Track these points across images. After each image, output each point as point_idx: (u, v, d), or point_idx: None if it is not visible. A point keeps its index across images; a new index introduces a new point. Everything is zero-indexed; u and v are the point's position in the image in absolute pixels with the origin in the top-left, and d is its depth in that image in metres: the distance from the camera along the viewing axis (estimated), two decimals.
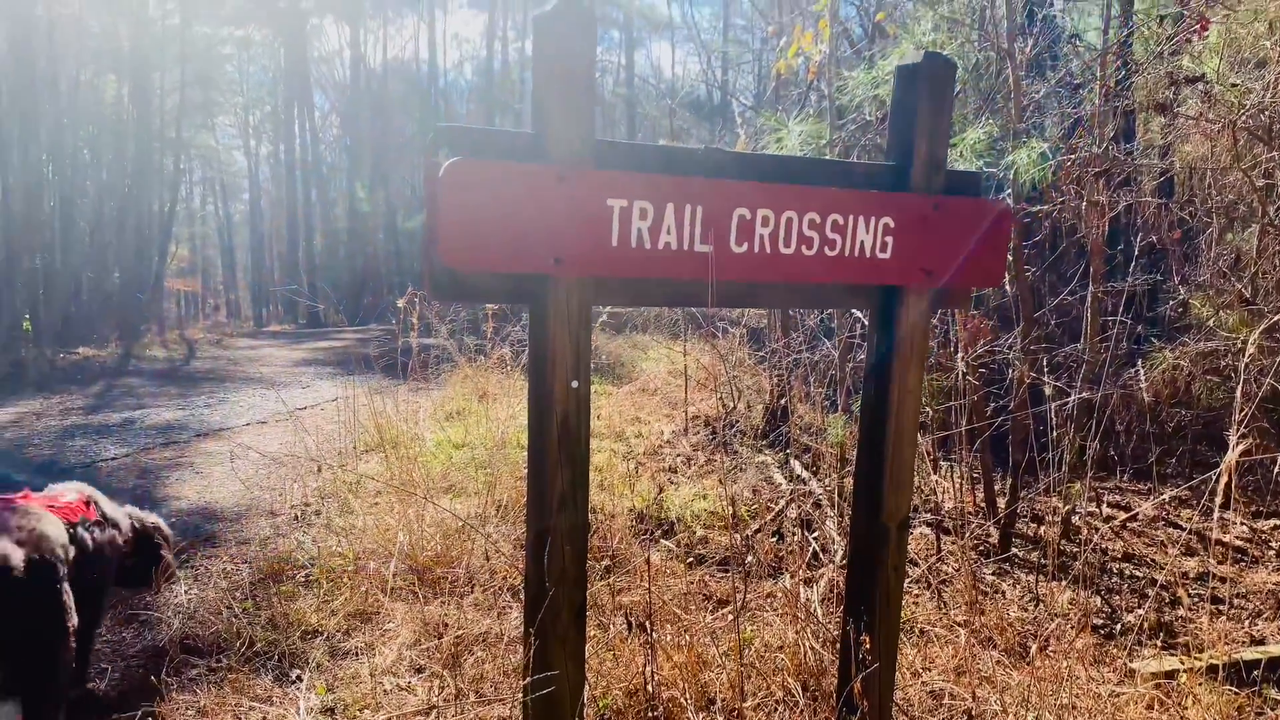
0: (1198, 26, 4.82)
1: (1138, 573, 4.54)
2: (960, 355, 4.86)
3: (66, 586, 2.49)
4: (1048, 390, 5.17)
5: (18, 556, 2.36)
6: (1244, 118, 4.92)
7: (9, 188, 16.44)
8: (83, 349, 12.96)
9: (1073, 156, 5.08)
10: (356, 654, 3.31)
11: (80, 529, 2.71)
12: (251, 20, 28.80)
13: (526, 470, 2.20)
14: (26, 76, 16.62)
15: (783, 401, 6.66)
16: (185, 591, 3.80)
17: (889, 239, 2.30)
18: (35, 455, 6.16)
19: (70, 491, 2.87)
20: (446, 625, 3.38)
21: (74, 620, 2.49)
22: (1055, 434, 4.79)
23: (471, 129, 1.99)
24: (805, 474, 5.63)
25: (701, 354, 8.98)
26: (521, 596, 3.54)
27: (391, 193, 30.39)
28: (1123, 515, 5.34)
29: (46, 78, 17.53)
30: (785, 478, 5.69)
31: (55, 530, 2.57)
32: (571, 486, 2.08)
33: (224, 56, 30.01)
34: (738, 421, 6.92)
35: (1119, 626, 3.87)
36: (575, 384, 2.08)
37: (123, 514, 3.12)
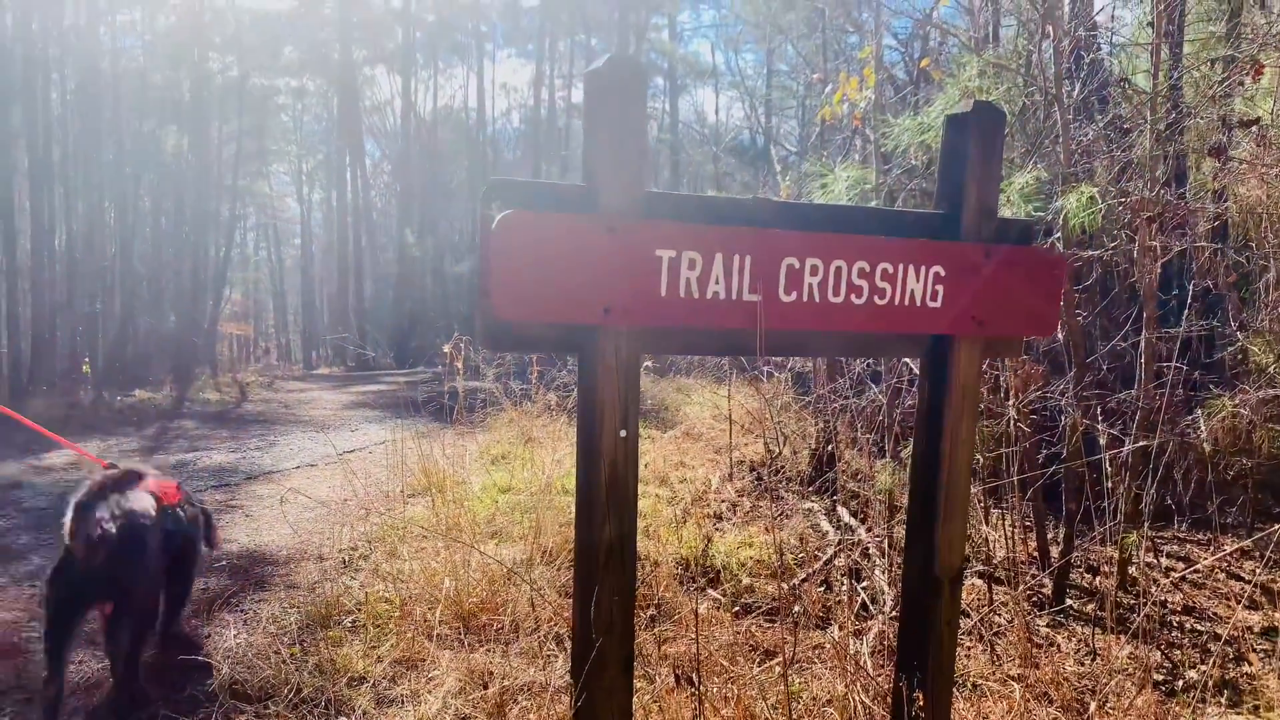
0: (1251, 71, 4.76)
1: (1200, 627, 4.39)
2: (1011, 401, 4.78)
3: (149, 541, 3.34)
4: (1102, 438, 5.06)
5: (110, 521, 3.20)
6: None
7: (72, 234, 17.00)
8: (139, 392, 13.26)
9: (1123, 200, 5.02)
10: (402, 702, 3.30)
11: (177, 508, 3.69)
12: (306, 71, 29.66)
13: (574, 518, 2.20)
14: (92, 127, 17.26)
15: (829, 447, 6.60)
16: (235, 636, 3.83)
17: (939, 288, 2.29)
18: None
19: (172, 481, 3.86)
20: (491, 674, 3.36)
21: (152, 565, 3.37)
22: (1110, 482, 4.68)
23: (523, 182, 2.03)
24: (853, 522, 5.55)
25: (746, 398, 8.94)
26: (567, 645, 3.52)
27: (440, 237, 30.89)
28: (1183, 566, 5.18)
29: (110, 128, 18.18)
30: (832, 525, 5.61)
31: (144, 505, 3.41)
32: (619, 537, 2.08)
33: (279, 106, 30.92)
34: (784, 467, 6.86)
35: (1181, 683, 3.73)
36: (623, 433, 2.08)
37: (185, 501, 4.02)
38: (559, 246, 1.96)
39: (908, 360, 5.60)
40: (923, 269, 2.26)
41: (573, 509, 4.71)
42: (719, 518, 5.86)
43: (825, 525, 5.65)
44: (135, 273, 18.05)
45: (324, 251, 36.85)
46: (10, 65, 14.95)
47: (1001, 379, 5.21)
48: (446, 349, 6.06)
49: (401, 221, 30.28)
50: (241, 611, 4.20)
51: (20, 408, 10.71)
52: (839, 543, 5.14)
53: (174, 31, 21.40)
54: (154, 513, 3.43)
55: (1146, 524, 4.35)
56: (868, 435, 6.71)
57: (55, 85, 17.36)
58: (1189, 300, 5.63)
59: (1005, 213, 4.79)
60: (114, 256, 17.84)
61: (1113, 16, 7.15)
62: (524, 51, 33.63)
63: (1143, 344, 5.06)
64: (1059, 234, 4.83)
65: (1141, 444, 4.67)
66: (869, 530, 5.32)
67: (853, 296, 2.21)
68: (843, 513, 5.74)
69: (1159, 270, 5.17)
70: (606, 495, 2.06)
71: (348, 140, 29.29)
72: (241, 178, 24.71)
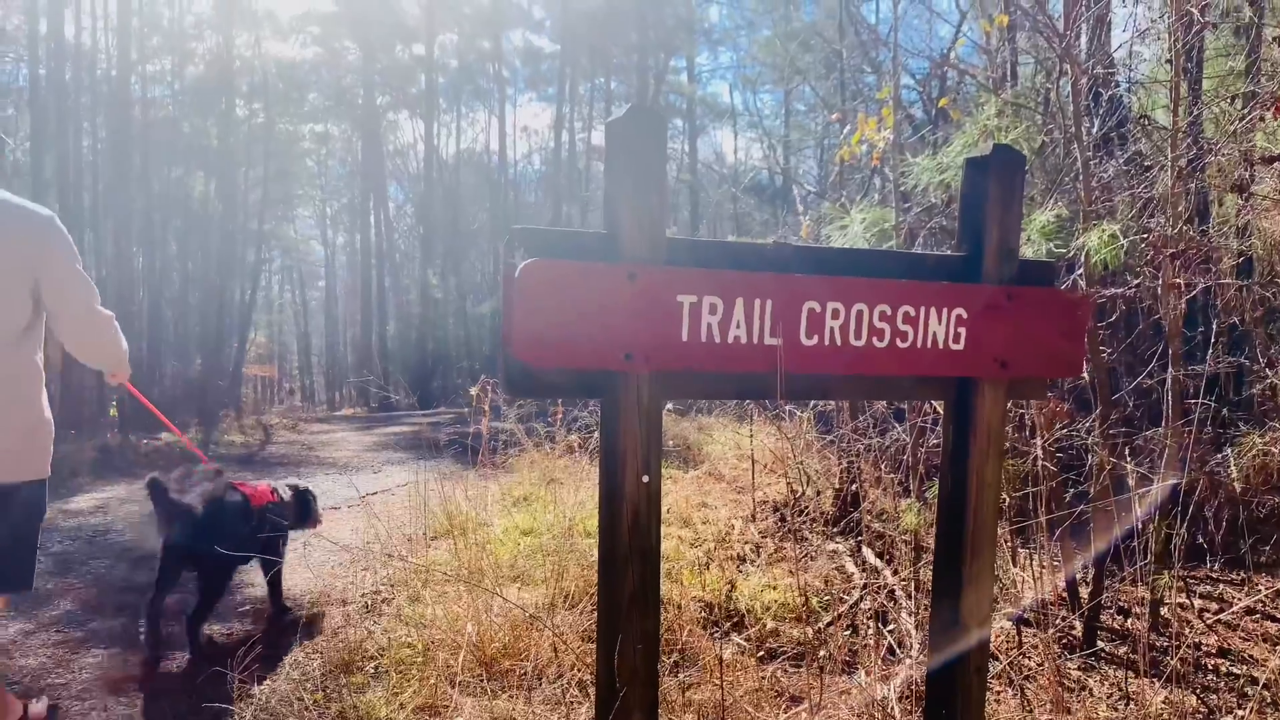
0: (1272, 106, 4.75)
1: (1235, 670, 4.30)
2: (1037, 439, 4.74)
3: (225, 527, 4.08)
4: (1131, 477, 5.00)
5: (200, 509, 4.07)
6: None
7: (103, 279, 17.24)
8: (165, 435, 13.37)
9: (1145, 236, 5.00)
10: None
11: (267, 510, 4.46)
12: (331, 117, 30.21)
13: (597, 565, 2.19)
14: (121, 174, 17.59)
15: (853, 487, 6.54)
16: (258, 684, 3.82)
17: (962, 330, 2.28)
18: (117, 540, 6.33)
19: (265, 484, 4.69)
20: None
21: (223, 547, 3.92)
22: (1140, 521, 4.61)
23: (546, 230, 2.05)
24: (879, 563, 5.49)
25: (768, 437, 8.90)
26: (590, 691, 3.49)
27: (462, 278, 31.18)
28: (1216, 607, 5.08)
29: (139, 174, 18.54)
30: (857, 566, 5.55)
31: (233, 500, 4.28)
32: (642, 584, 2.07)
33: (304, 151, 31.42)
34: (807, 507, 6.81)
35: None
36: (646, 479, 2.08)
37: (285, 487, 4.81)
38: (581, 293, 1.97)
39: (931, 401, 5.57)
40: (945, 312, 2.26)
41: (595, 552, 4.68)
42: (742, 560, 5.81)
43: (850, 567, 5.59)
44: (162, 317, 18.31)
45: (348, 293, 37.27)
46: (44, 116, 15.31)
47: (1027, 416, 5.17)
48: (473, 391, 6.11)
49: (424, 263, 30.60)
50: (265, 657, 4.20)
51: None
52: (865, 585, 5.08)
53: (202, 80, 21.88)
54: (236, 504, 4.29)
55: (1178, 564, 4.27)
56: (891, 475, 6.66)
57: (87, 134, 17.77)
58: (1215, 336, 5.58)
59: (1026, 251, 4.79)
60: (141, 301, 18.10)
61: (1130, 53, 7.18)
62: (544, 95, 34.20)
63: (1169, 381, 5.01)
64: (1081, 270, 4.82)
65: (1171, 483, 4.60)
66: (895, 572, 5.25)
67: (875, 340, 2.21)
68: (868, 554, 5.67)
69: (1184, 306, 5.13)
70: (629, 541, 2.06)
71: (371, 184, 29.72)
72: (267, 222, 25.06)
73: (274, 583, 4.71)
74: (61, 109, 15.83)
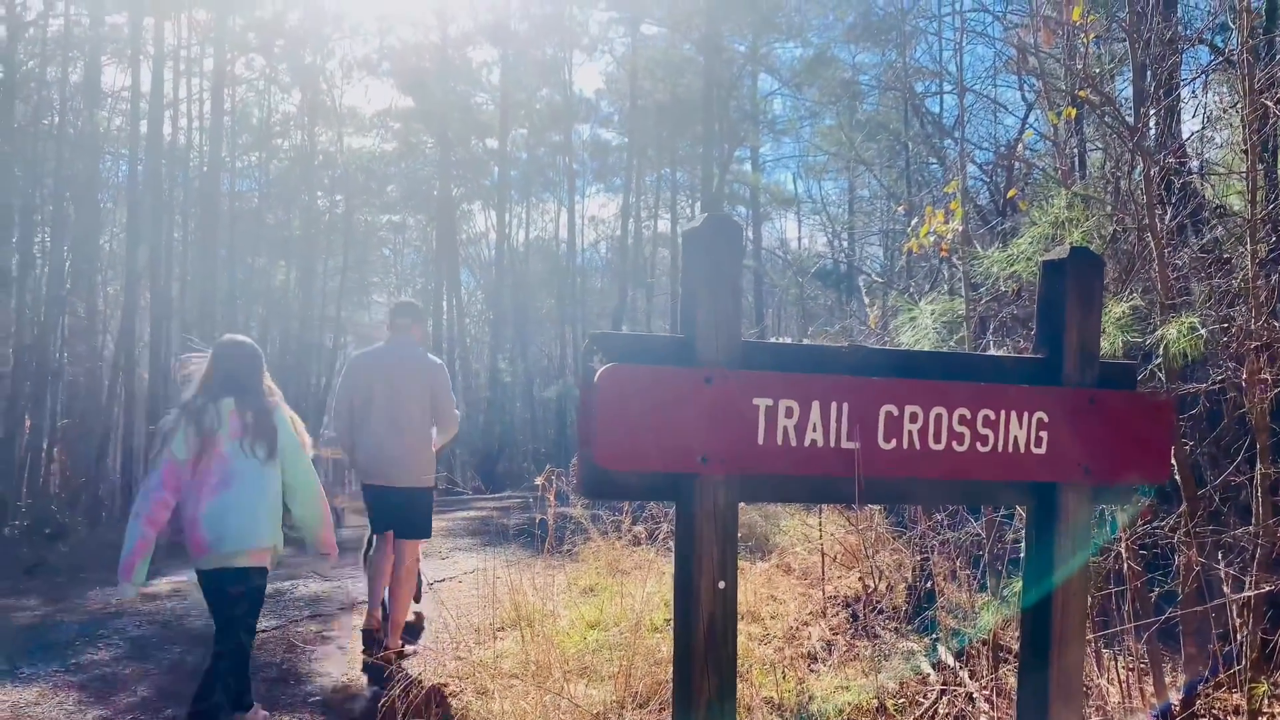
0: None
1: None
2: (1119, 537, 4.58)
3: None
4: (1226, 584, 4.78)
5: None
6: None
7: None
8: None
9: (1225, 327, 4.87)
10: None
11: None
12: (407, 208, 31.32)
13: (671, 669, 2.17)
14: (208, 264, 18.41)
15: (927, 583, 6.37)
16: None
17: (1043, 434, 2.25)
18: (192, 625, 6.44)
19: None
20: None
21: None
22: (1234, 624, 4.39)
23: (624, 336, 2.10)
24: (955, 663, 5.30)
25: (836, 528, 8.73)
26: None
27: (530, 362, 31.60)
28: None
29: (225, 264, 19.38)
30: (932, 666, 5.37)
31: None
32: (719, 695, 2.04)
33: (381, 240, 32.59)
34: (879, 602, 6.63)
35: None
36: (722, 584, 2.07)
37: None
38: (658, 397, 2.00)
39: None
40: (1025, 415, 2.23)
41: (663, 648, 4.62)
42: (813, 658, 5.66)
43: (925, 667, 5.40)
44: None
45: None
46: (140, 210, 16.17)
47: (1107, 512, 5.00)
48: (539, 481, 6.19)
49: (494, 347, 31.13)
50: None
51: None
52: (941, 685, 4.90)
53: (287, 173, 22.94)
54: None
55: (1276, 671, 4.04)
56: (966, 570, 6.46)
57: (178, 225, 18.70)
58: None
59: (1102, 343, 4.70)
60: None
61: (1201, 139, 7.13)
62: (611, 186, 34.94)
63: (1257, 477, 4.81)
64: (1158, 361, 4.71)
65: (1266, 588, 4.39)
66: (972, 674, 5.07)
67: (954, 444, 2.19)
68: (944, 652, 5.49)
69: (1270, 399, 4.95)
70: (705, 649, 2.04)
71: (444, 271, 30.51)
72: (344, 309, 25.88)
73: None
74: (156, 203, 16.70)
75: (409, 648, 5.68)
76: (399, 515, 5.55)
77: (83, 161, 15.79)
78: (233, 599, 3.96)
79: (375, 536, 5.80)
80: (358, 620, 6.64)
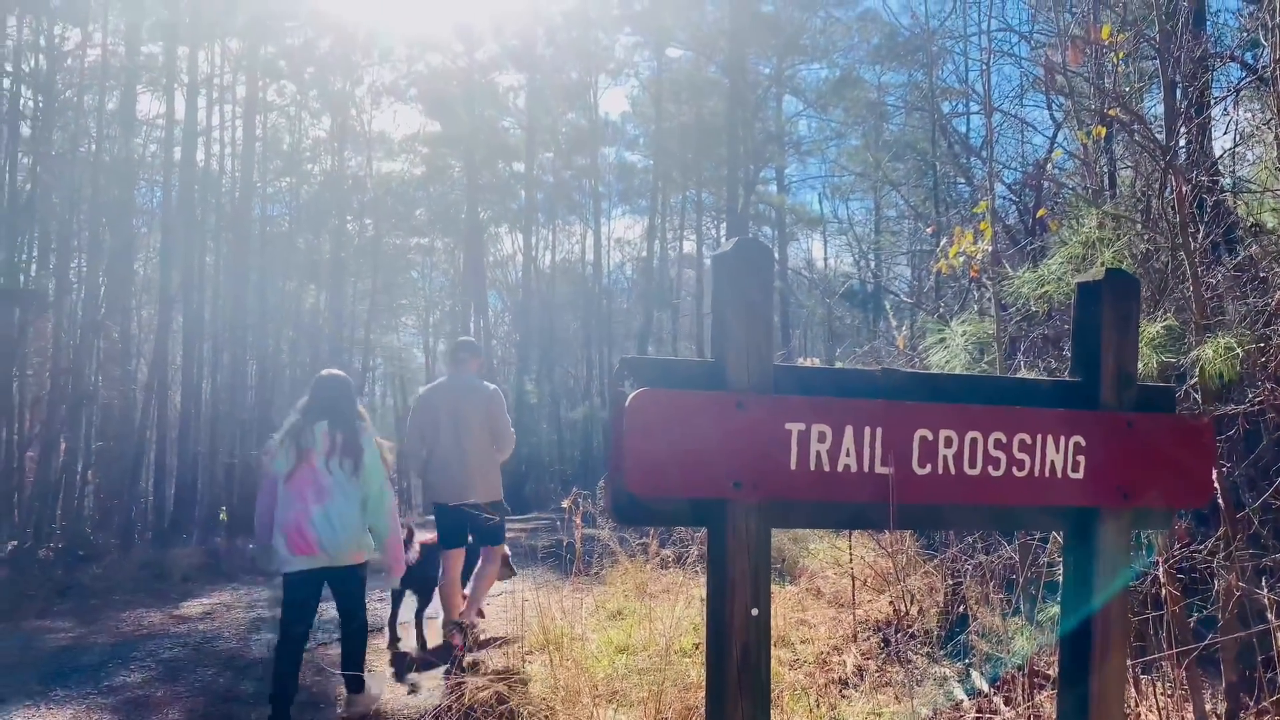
0: None
1: None
2: (1157, 560, 4.50)
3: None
4: (1271, 611, 4.67)
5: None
6: None
7: (217, 386, 18.10)
8: None
9: (1263, 347, 4.79)
10: None
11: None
12: (435, 231, 31.60)
13: (704, 697, 2.15)
14: (239, 287, 18.63)
15: (960, 608, 6.28)
16: None
17: (1080, 458, 2.21)
18: (224, 648, 6.47)
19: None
20: None
21: None
22: (1279, 648, 4.29)
23: (654, 360, 2.09)
24: (989, 690, 5.21)
25: (866, 551, 8.64)
26: None
27: (556, 384, 31.68)
28: None
29: (256, 288, 19.59)
30: (966, 693, 5.28)
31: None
32: None
33: (409, 263, 32.84)
34: (911, 626, 6.54)
35: None
36: (755, 611, 2.05)
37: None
38: (689, 423, 1.99)
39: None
40: (1062, 439, 2.20)
41: (692, 672, 4.58)
42: (844, 684, 5.59)
43: (959, 693, 5.32)
44: (271, 423, 19.01)
45: None
46: (173, 235, 16.41)
47: (1143, 536, 4.91)
48: (565, 504, 6.20)
49: (520, 369, 31.24)
50: None
51: (163, 554, 11.24)
52: (976, 713, 4.82)
53: (317, 198, 23.21)
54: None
55: None
56: (999, 594, 6.36)
57: (210, 250, 18.95)
58: None
59: (1139, 366, 4.64)
60: (252, 407, 18.87)
61: (1233, 156, 7.05)
62: (637, 208, 35.04)
63: None
64: (1194, 381, 4.64)
65: None
66: (1007, 700, 4.98)
67: (990, 468, 2.16)
68: (977, 679, 5.40)
69: None
70: (738, 677, 2.01)
71: (471, 293, 30.70)
72: (373, 331, 26.08)
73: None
74: (189, 228, 16.94)
75: (437, 670, 5.67)
76: (476, 525, 6.17)
77: (118, 188, 16.06)
78: (347, 592, 4.85)
79: (443, 553, 6.39)
80: (383, 641, 6.67)
